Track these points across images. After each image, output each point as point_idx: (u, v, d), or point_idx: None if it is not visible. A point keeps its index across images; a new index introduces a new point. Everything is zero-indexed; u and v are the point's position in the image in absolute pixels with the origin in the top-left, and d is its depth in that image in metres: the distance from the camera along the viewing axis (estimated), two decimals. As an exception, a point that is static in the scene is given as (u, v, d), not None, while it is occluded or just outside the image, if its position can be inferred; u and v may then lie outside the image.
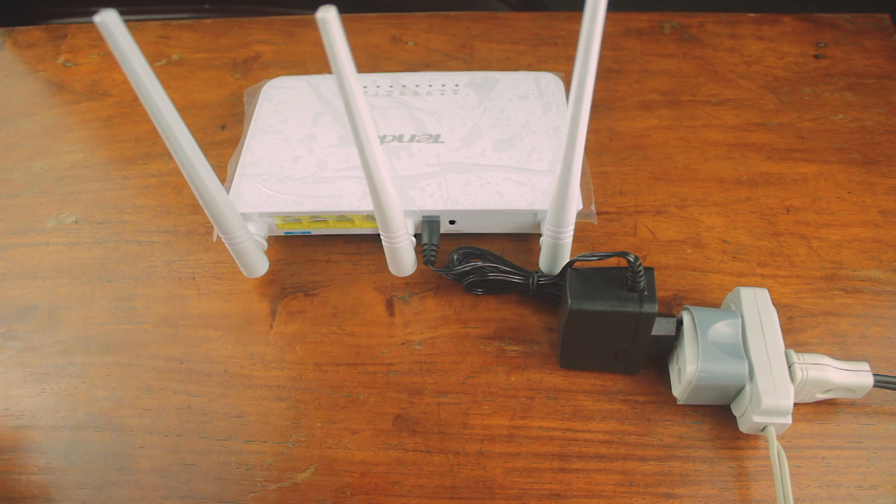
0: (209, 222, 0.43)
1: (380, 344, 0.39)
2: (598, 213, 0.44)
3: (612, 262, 0.34)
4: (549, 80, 0.46)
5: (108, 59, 0.55)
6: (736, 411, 0.35)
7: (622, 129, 0.48)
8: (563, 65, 0.53)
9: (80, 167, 0.48)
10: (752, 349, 0.34)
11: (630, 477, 0.34)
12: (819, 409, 0.36)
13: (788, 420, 0.32)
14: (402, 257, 0.38)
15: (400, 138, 0.42)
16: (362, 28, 0.56)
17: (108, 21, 0.23)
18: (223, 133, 0.50)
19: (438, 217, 0.40)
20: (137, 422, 0.37)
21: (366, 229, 0.41)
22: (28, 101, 0.53)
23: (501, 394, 0.37)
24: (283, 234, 0.42)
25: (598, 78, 0.50)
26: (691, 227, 0.43)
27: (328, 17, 0.23)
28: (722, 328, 0.34)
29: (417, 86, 0.45)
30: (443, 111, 0.44)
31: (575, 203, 0.34)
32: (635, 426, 0.36)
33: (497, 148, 0.42)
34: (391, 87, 0.46)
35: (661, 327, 0.35)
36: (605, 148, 0.47)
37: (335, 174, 0.41)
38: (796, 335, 0.39)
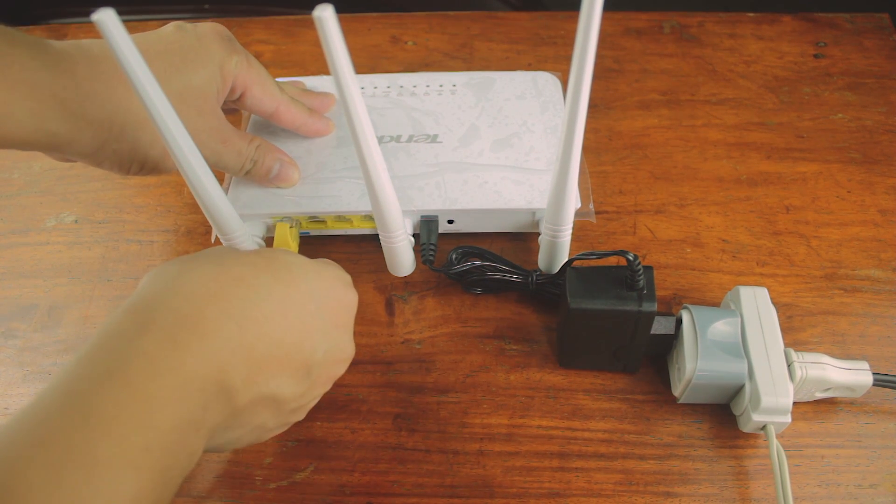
0: (209, 222, 0.43)
1: (379, 343, 0.39)
2: (598, 213, 0.44)
3: (612, 260, 0.34)
4: (546, 80, 0.46)
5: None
6: (735, 410, 0.35)
7: (622, 128, 0.48)
8: (562, 64, 0.53)
9: (80, 166, 0.48)
10: (752, 348, 0.34)
11: (629, 476, 0.34)
12: (818, 408, 0.36)
13: (788, 419, 0.32)
14: (401, 257, 0.38)
15: (398, 139, 0.42)
16: (362, 28, 0.56)
17: (106, 19, 0.23)
18: (223, 133, 0.50)
19: (437, 217, 0.40)
20: (137, 421, 0.37)
21: (364, 229, 0.41)
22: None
23: (501, 393, 0.37)
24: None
25: (598, 77, 0.51)
26: (691, 227, 0.43)
27: (325, 15, 0.23)
28: (721, 327, 0.34)
29: (415, 86, 0.45)
30: (440, 111, 0.44)
31: (573, 202, 0.34)
32: (635, 425, 0.36)
33: (495, 147, 0.42)
34: (388, 87, 0.46)
35: (661, 326, 0.35)
36: (604, 147, 0.47)
37: (333, 175, 0.41)
38: (796, 334, 0.39)
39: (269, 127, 0.43)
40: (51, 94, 0.31)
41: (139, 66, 0.25)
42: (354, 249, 0.43)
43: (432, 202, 0.39)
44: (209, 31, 0.36)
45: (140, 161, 0.34)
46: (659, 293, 0.40)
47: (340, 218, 0.41)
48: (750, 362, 0.33)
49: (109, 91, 0.32)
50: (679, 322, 0.35)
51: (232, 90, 0.37)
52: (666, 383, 0.37)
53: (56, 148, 0.33)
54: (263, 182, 0.40)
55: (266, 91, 0.38)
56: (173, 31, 0.35)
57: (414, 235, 0.40)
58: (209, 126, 0.36)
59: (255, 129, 0.44)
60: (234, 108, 0.41)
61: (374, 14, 0.57)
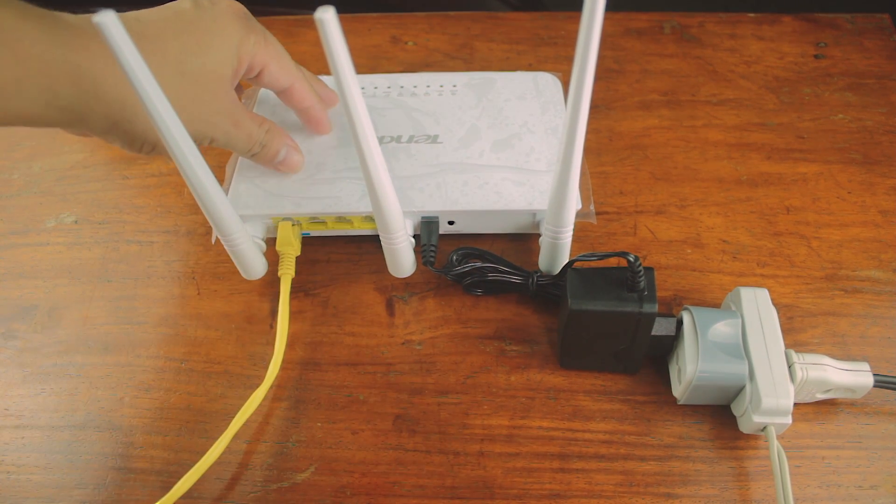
0: (209, 222, 0.43)
1: (380, 344, 0.39)
2: (599, 213, 0.44)
3: (612, 262, 0.34)
4: (546, 80, 0.46)
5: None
6: (736, 411, 0.35)
7: (622, 128, 0.48)
8: (562, 65, 0.53)
9: (80, 167, 0.48)
10: (752, 349, 0.34)
11: (630, 477, 0.34)
12: (819, 409, 0.36)
13: (788, 420, 0.32)
14: (402, 258, 0.38)
15: (398, 139, 0.42)
16: (362, 28, 0.56)
17: (107, 21, 0.23)
18: (223, 133, 0.50)
19: (437, 217, 0.40)
20: (137, 422, 0.37)
21: (365, 230, 0.41)
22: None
23: (501, 394, 0.37)
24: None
25: (599, 78, 0.50)
26: (691, 227, 0.43)
27: (326, 17, 0.23)
28: (722, 328, 0.34)
29: (415, 87, 0.45)
30: (441, 112, 0.44)
31: (574, 203, 0.34)
32: (635, 426, 0.36)
33: (495, 148, 0.42)
34: (389, 88, 0.45)
35: (661, 327, 0.35)
36: (605, 148, 0.47)
37: (334, 175, 0.41)
38: (796, 335, 0.39)
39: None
40: (63, 71, 0.30)
41: (141, 70, 0.25)
42: (355, 250, 0.43)
43: (433, 203, 0.39)
44: (226, 10, 0.35)
45: (152, 142, 0.34)
46: (659, 294, 0.40)
47: (341, 219, 0.40)
48: (750, 363, 0.33)
49: (120, 73, 0.32)
50: (679, 323, 0.35)
51: (249, 69, 0.37)
52: (666, 384, 0.37)
53: (67, 124, 0.32)
54: (269, 165, 0.40)
55: (283, 67, 0.38)
56: (190, 7, 0.35)
57: (414, 236, 0.40)
58: (223, 108, 0.35)
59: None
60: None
61: (375, 14, 0.57)
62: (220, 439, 0.34)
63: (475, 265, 0.39)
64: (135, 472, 0.35)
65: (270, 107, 0.45)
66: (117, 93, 0.32)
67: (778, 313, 0.35)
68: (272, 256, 0.40)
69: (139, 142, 0.34)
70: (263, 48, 0.36)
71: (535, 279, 0.38)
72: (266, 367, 0.37)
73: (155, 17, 0.34)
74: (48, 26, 0.30)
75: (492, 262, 0.39)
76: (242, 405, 0.36)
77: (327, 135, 0.43)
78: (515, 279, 0.39)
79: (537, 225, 0.40)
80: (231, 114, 0.36)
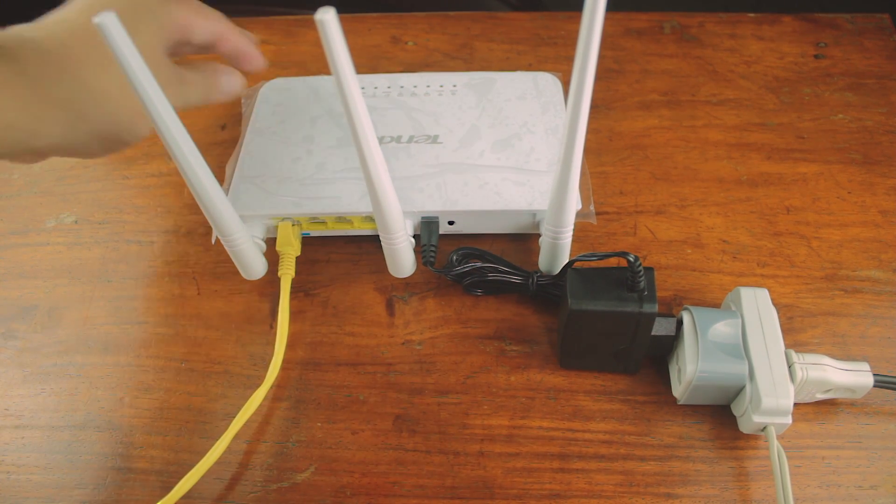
0: (209, 222, 0.43)
1: (380, 344, 0.39)
2: (599, 213, 0.44)
3: (612, 262, 0.34)
4: (546, 80, 0.46)
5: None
6: (736, 411, 0.35)
7: (622, 129, 0.48)
8: (562, 65, 0.53)
9: (80, 167, 0.48)
10: (752, 349, 0.34)
11: (630, 477, 0.34)
12: (819, 409, 0.36)
13: (788, 420, 0.32)
14: (402, 258, 0.38)
15: (398, 139, 0.42)
16: (362, 28, 0.56)
17: (107, 22, 0.23)
18: (223, 133, 0.50)
19: (437, 218, 0.40)
20: (137, 422, 0.37)
21: (365, 230, 0.41)
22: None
23: (501, 394, 0.37)
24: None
25: (599, 78, 0.50)
26: (691, 227, 0.43)
27: (327, 18, 0.23)
28: (722, 328, 0.34)
29: (415, 87, 0.45)
30: (441, 112, 0.44)
31: (574, 203, 0.34)
32: (635, 426, 0.36)
33: (495, 148, 0.42)
34: (389, 87, 0.46)
35: (661, 327, 0.35)
36: (604, 148, 0.47)
37: (334, 175, 0.41)
38: (796, 335, 0.39)
39: (269, 129, 0.43)
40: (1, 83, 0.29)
41: (138, 67, 0.25)
42: (355, 250, 0.43)
43: (433, 203, 0.39)
44: None
45: (112, 138, 0.33)
46: (659, 294, 0.40)
47: (341, 219, 0.41)
48: (750, 363, 0.33)
49: (61, 72, 0.31)
50: (679, 323, 0.35)
51: (180, 33, 0.35)
52: (666, 384, 0.37)
53: (19, 142, 0.31)
54: (224, 99, 0.38)
55: (208, 19, 0.37)
56: None
57: (414, 236, 0.40)
58: (167, 77, 0.34)
59: (252, 134, 0.44)
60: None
61: (375, 14, 0.57)
62: (220, 439, 0.35)
63: (475, 265, 0.39)
64: (135, 472, 0.35)
65: (272, 106, 0.45)
66: (62, 93, 0.31)
67: (778, 313, 0.35)
68: (272, 256, 0.40)
69: (105, 138, 0.33)
70: (185, 10, 0.35)
71: (535, 279, 0.38)
72: (266, 367, 0.37)
73: (72, 20, 0.32)
74: None
75: (492, 262, 0.39)
76: (242, 405, 0.36)
77: (328, 135, 0.43)
78: (515, 279, 0.39)
79: (537, 225, 0.40)
80: (176, 76, 0.35)
